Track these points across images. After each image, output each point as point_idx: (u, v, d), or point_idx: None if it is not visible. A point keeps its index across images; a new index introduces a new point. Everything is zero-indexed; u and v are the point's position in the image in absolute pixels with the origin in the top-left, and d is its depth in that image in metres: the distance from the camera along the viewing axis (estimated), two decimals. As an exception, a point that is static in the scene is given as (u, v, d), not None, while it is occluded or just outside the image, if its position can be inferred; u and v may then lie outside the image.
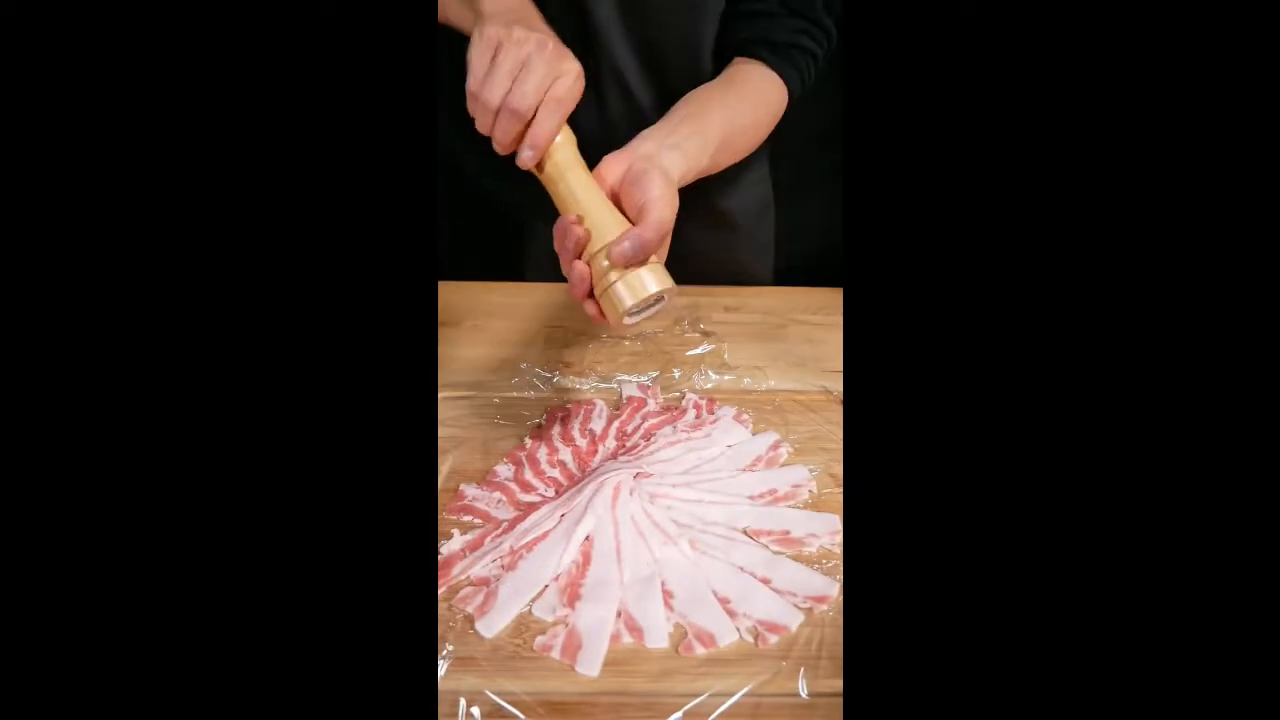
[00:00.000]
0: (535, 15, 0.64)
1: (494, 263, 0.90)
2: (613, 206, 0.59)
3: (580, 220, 0.57)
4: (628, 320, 0.58)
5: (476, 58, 0.59)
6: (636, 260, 0.56)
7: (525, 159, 0.59)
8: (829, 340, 0.81)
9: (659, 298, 0.58)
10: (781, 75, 0.73)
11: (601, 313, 0.58)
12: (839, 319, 0.80)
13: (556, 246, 0.58)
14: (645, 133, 0.64)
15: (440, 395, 0.73)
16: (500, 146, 0.59)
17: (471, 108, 0.59)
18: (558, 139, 0.60)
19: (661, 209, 0.57)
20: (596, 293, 0.57)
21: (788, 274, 0.91)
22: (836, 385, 0.76)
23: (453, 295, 0.86)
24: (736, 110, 0.70)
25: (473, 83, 0.58)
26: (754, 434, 0.70)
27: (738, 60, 0.74)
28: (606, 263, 0.56)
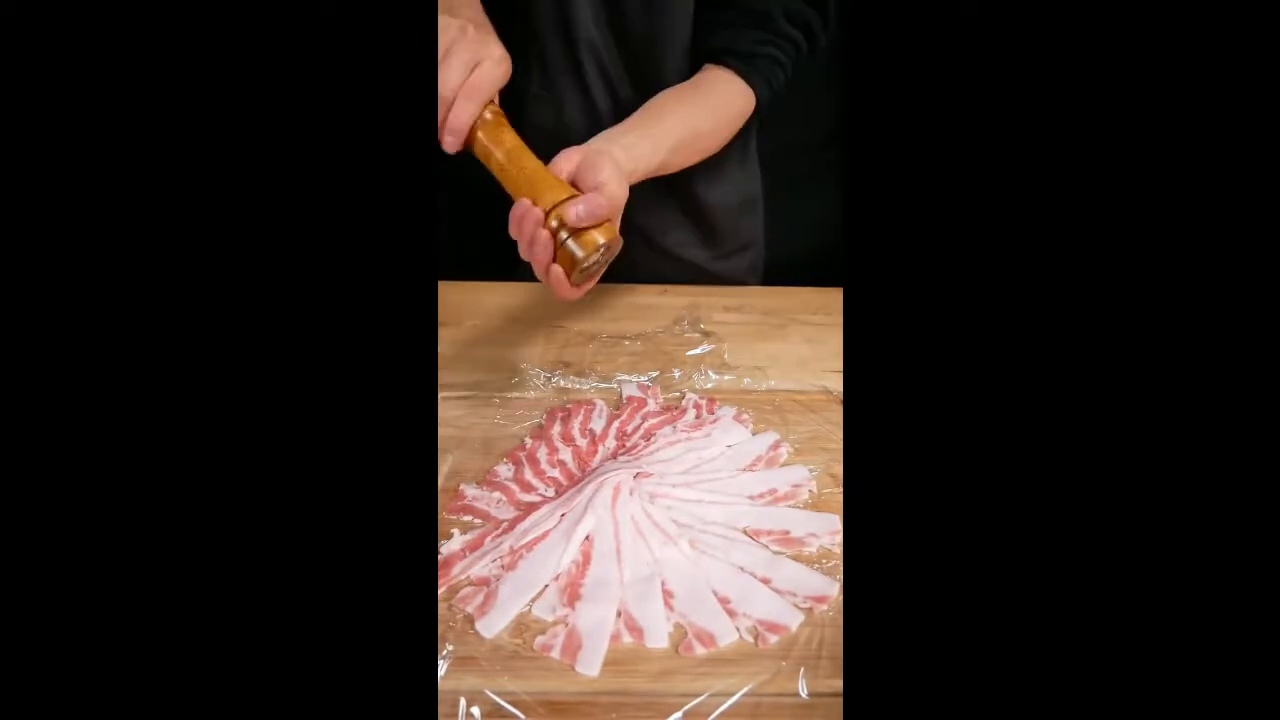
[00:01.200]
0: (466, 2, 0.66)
1: (494, 263, 0.90)
2: (556, 176, 0.62)
3: (533, 199, 0.60)
4: (580, 281, 0.62)
5: None
6: (587, 222, 0.60)
7: (446, 144, 0.61)
8: (829, 340, 0.81)
9: (605, 248, 0.62)
10: (749, 83, 0.76)
11: (562, 278, 0.61)
12: (839, 319, 0.80)
13: (514, 230, 0.60)
14: (603, 132, 0.68)
15: (440, 395, 0.73)
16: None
17: None
18: (486, 117, 0.62)
19: (613, 187, 0.61)
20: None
21: (781, 272, 0.92)
22: (836, 385, 0.76)
23: (453, 295, 0.86)
24: (696, 113, 0.73)
25: None
26: (754, 434, 0.70)
27: (708, 66, 0.77)
28: (556, 223, 0.60)
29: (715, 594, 0.56)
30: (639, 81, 0.80)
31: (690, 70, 0.79)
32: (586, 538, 0.59)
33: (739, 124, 0.78)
